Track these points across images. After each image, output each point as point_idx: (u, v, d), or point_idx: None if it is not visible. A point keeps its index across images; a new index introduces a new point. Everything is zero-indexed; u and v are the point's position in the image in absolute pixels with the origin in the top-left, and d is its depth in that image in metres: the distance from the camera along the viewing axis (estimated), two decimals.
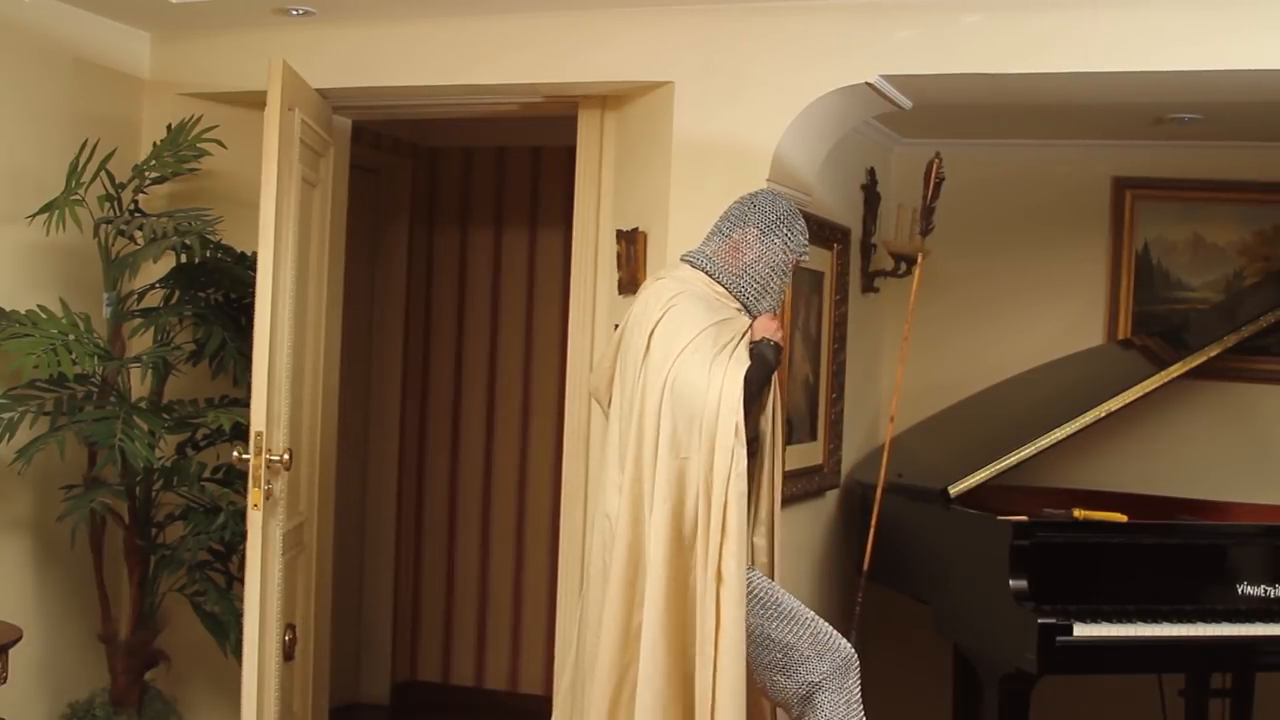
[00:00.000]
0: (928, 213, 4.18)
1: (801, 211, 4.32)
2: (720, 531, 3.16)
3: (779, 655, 3.33)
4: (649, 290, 3.40)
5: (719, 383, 3.19)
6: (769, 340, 3.35)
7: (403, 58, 4.47)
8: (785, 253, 3.40)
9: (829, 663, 3.32)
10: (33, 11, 4.33)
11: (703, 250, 3.43)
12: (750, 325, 3.37)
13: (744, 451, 3.20)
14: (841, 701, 3.32)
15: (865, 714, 3.40)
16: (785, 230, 3.39)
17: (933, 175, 4.15)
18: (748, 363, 3.26)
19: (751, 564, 3.43)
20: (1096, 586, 3.97)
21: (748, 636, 3.24)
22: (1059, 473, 4.96)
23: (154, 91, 4.76)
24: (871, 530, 4.19)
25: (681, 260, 3.47)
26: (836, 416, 5.01)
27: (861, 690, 3.40)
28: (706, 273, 3.39)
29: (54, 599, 4.48)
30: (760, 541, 3.54)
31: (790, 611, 3.35)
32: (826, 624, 3.39)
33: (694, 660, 3.17)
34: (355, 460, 5.93)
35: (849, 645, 3.38)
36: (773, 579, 3.51)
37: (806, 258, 3.51)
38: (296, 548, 4.32)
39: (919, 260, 4.22)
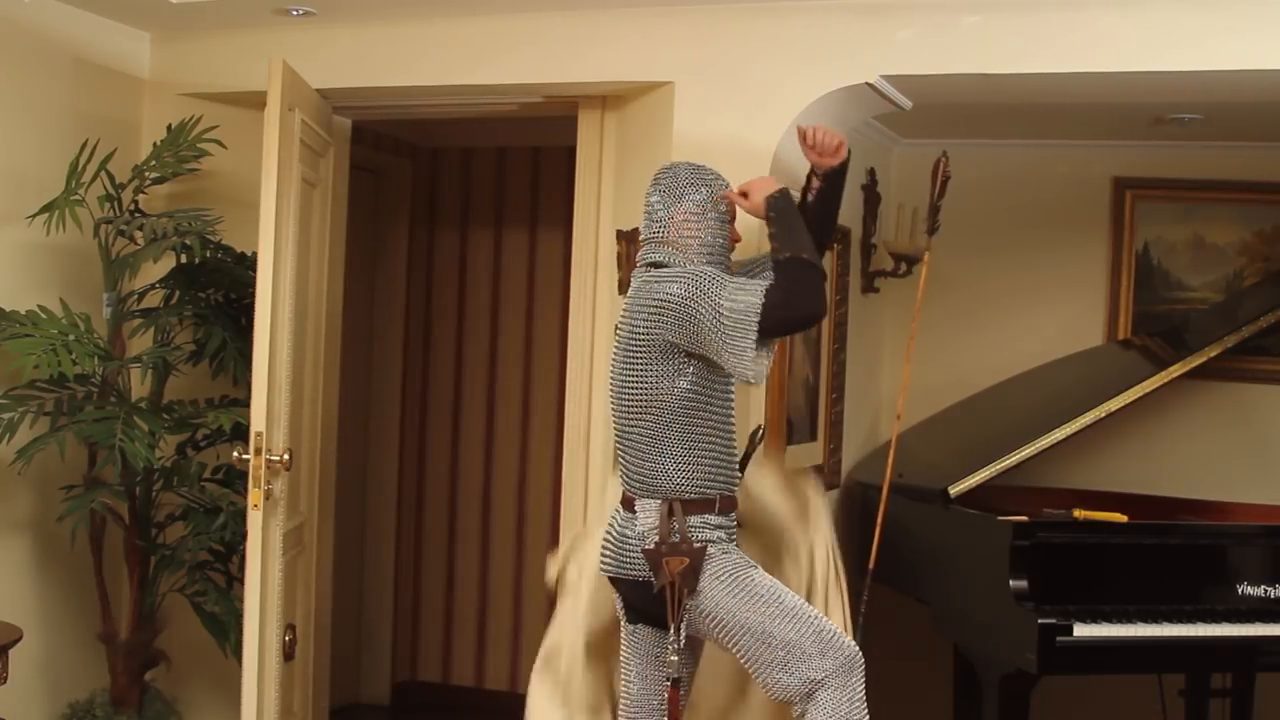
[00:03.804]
0: (934, 211, 4.15)
1: None
2: None
3: (781, 653, 3.31)
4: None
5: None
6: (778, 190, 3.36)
7: (403, 58, 4.47)
8: (711, 200, 3.39)
9: (833, 660, 3.30)
10: (33, 11, 4.33)
11: (659, 248, 3.39)
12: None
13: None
14: (845, 700, 3.30)
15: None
16: (701, 186, 3.38)
17: (939, 173, 4.10)
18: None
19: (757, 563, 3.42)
20: (1097, 586, 3.96)
21: (751, 634, 3.24)
22: (1059, 473, 4.96)
23: (154, 91, 4.77)
24: (878, 528, 4.18)
25: (648, 264, 3.39)
26: (836, 417, 5.01)
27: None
28: (679, 264, 3.36)
29: (54, 599, 4.48)
30: None
31: (794, 609, 3.34)
32: (830, 622, 3.38)
33: None
34: (355, 460, 5.93)
35: (853, 644, 3.37)
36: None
37: (730, 186, 3.47)
38: (296, 548, 4.32)
39: (925, 259, 4.19)
